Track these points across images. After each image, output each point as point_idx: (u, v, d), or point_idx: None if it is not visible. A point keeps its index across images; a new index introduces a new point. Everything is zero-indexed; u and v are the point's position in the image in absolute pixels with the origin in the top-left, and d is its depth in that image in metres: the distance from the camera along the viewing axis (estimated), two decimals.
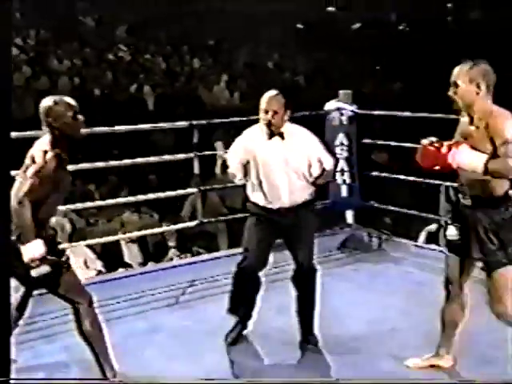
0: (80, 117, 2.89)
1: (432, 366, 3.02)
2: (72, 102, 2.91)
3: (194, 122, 4.76)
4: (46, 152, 2.76)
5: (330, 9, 17.90)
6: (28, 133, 3.80)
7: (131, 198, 5.34)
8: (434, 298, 3.13)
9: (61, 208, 4.51)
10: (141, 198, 5.10)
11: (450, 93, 2.69)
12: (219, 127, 7.83)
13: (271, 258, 3.82)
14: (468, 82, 2.64)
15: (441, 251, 4.77)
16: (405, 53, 13.70)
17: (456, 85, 2.67)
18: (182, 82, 12.30)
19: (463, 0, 16.11)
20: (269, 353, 3.29)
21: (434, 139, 2.75)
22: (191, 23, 13.95)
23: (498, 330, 2.93)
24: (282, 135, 3.24)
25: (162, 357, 3.22)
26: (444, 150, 2.67)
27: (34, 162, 2.75)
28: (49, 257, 2.73)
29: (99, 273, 4.85)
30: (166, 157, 5.04)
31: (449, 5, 16.83)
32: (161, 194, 5.01)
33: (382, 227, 5.11)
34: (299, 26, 16.37)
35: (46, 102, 2.89)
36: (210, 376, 3.02)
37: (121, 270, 5.05)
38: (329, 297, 3.68)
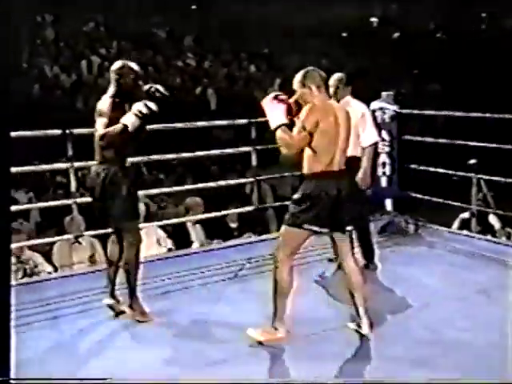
0: (140, 82, 3.14)
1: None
2: (135, 67, 3.16)
3: (253, 120, 4.76)
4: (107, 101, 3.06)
5: (372, 19, 17.57)
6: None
7: (197, 186, 5.40)
8: (464, 277, 3.05)
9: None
10: (205, 185, 5.16)
11: (294, 97, 2.89)
12: None
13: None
14: (302, 87, 2.87)
15: (473, 237, 4.69)
16: (441, 58, 13.30)
17: (295, 91, 2.90)
18: (241, 85, 12.34)
19: (496, 10, 15.51)
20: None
21: (278, 93, 2.90)
22: (249, 34, 13.96)
23: None
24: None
25: (219, 323, 3.22)
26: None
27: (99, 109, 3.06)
28: None
29: (169, 250, 4.93)
30: (228, 150, 5.07)
31: (483, 14, 16.28)
32: (222, 182, 5.05)
33: (418, 215, 5.00)
34: (344, 34, 16.14)
35: (116, 64, 3.17)
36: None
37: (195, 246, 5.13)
38: (371, 273, 3.66)
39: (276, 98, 2.84)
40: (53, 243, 4.70)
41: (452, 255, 4.21)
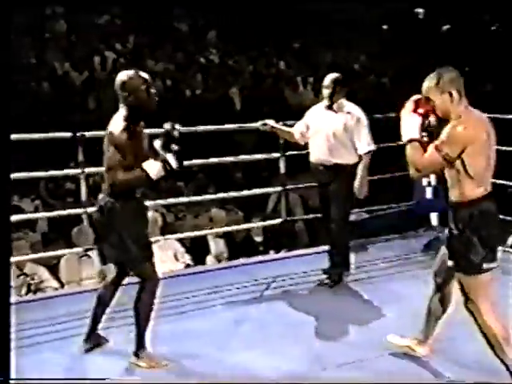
0: (153, 91, 2.89)
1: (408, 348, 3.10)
2: (145, 75, 2.89)
3: (282, 123, 4.75)
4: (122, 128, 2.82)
5: (417, 9, 17.47)
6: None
7: (220, 195, 5.42)
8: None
9: (152, 203, 4.69)
10: (229, 195, 5.18)
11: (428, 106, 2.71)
12: None
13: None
14: (440, 94, 2.64)
15: None
16: (497, 53, 13.12)
17: (429, 99, 2.68)
18: (269, 83, 12.39)
19: None
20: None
21: (419, 98, 2.74)
22: (277, 27, 14.01)
23: None
24: (332, 108, 3.99)
25: (244, 347, 3.23)
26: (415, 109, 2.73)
27: (112, 135, 2.82)
28: None
29: (187, 266, 4.96)
30: (256, 156, 5.09)
31: None
32: (247, 192, 5.07)
33: None
34: (385, 27, 16.07)
35: (121, 76, 2.86)
36: (291, 368, 3.01)
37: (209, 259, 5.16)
38: (412, 298, 3.61)
39: (417, 105, 2.69)
40: (60, 256, 4.77)
41: (503, 276, 4.11)
